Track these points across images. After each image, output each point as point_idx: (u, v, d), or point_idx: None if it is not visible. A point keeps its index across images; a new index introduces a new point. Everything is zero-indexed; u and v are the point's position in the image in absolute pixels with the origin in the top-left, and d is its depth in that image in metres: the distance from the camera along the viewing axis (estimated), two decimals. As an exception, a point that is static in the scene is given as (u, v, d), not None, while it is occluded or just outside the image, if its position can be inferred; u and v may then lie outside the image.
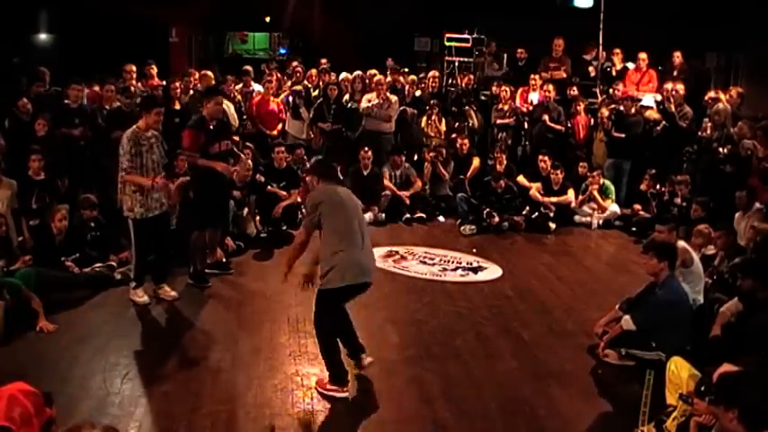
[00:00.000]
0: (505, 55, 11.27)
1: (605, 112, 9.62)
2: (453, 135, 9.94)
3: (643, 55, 10.20)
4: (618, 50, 10.48)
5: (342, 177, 9.27)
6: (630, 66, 10.49)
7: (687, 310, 5.07)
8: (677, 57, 10.18)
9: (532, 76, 10.28)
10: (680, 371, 4.09)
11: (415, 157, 10.02)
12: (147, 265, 5.92)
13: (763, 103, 10.28)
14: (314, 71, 10.55)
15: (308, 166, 9.37)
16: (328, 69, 10.58)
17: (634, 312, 4.98)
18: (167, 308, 5.83)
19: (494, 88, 10.33)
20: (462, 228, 8.64)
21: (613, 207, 9.13)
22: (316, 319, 4.45)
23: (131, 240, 5.81)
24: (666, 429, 3.91)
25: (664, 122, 9.25)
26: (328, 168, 4.86)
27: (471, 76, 10.78)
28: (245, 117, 9.53)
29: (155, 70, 9.55)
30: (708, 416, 3.49)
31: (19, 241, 6.42)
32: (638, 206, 8.95)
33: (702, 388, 3.43)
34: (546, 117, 9.70)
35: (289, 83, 10.33)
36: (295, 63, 11.13)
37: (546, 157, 9.22)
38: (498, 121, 10.09)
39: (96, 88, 9.08)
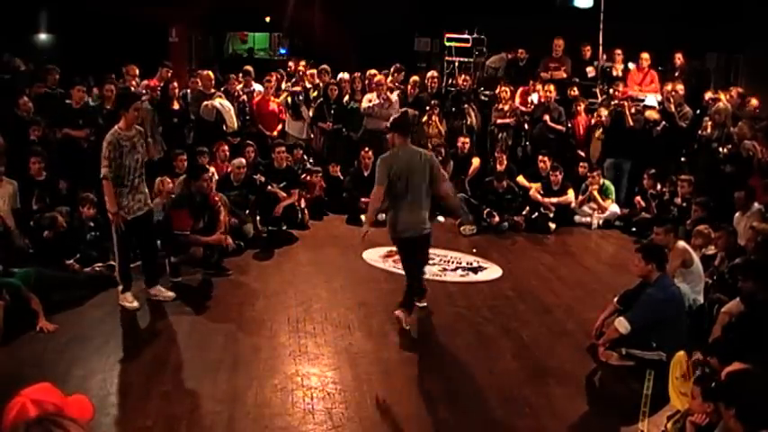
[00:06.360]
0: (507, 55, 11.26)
1: (604, 111, 9.63)
2: (453, 134, 9.93)
3: (645, 55, 10.19)
4: (619, 51, 10.47)
5: (342, 178, 9.38)
6: (631, 66, 10.49)
7: (680, 307, 5.07)
8: (678, 58, 10.20)
9: (532, 81, 10.28)
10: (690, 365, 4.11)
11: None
12: (130, 269, 5.80)
13: (764, 103, 10.26)
14: (314, 71, 10.55)
15: (308, 166, 9.41)
16: (328, 70, 10.58)
17: (627, 313, 4.98)
18: (167, 308, 5.81)
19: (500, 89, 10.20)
20: (462, 228, 8.63)
21: (613, 207, 9.12)
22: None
23: (114, 242, 5.70)
24: (667, 430, 3.91)
25: (663, 122, 9.25)
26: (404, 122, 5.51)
27: (471, 77, 10.78)
28: (247, 117, 9.53)
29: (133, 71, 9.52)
30: (701, 415, 3.50)
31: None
32: (641, 202, 8.90)
33: (713, 385, 3.43)
34: (547, 117, 9.71)
35: (288, 83, 10.33)
36: (295, 63, 11.15)
37: (545, 158, 9.22)
38: (498, 121, 10.08)
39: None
